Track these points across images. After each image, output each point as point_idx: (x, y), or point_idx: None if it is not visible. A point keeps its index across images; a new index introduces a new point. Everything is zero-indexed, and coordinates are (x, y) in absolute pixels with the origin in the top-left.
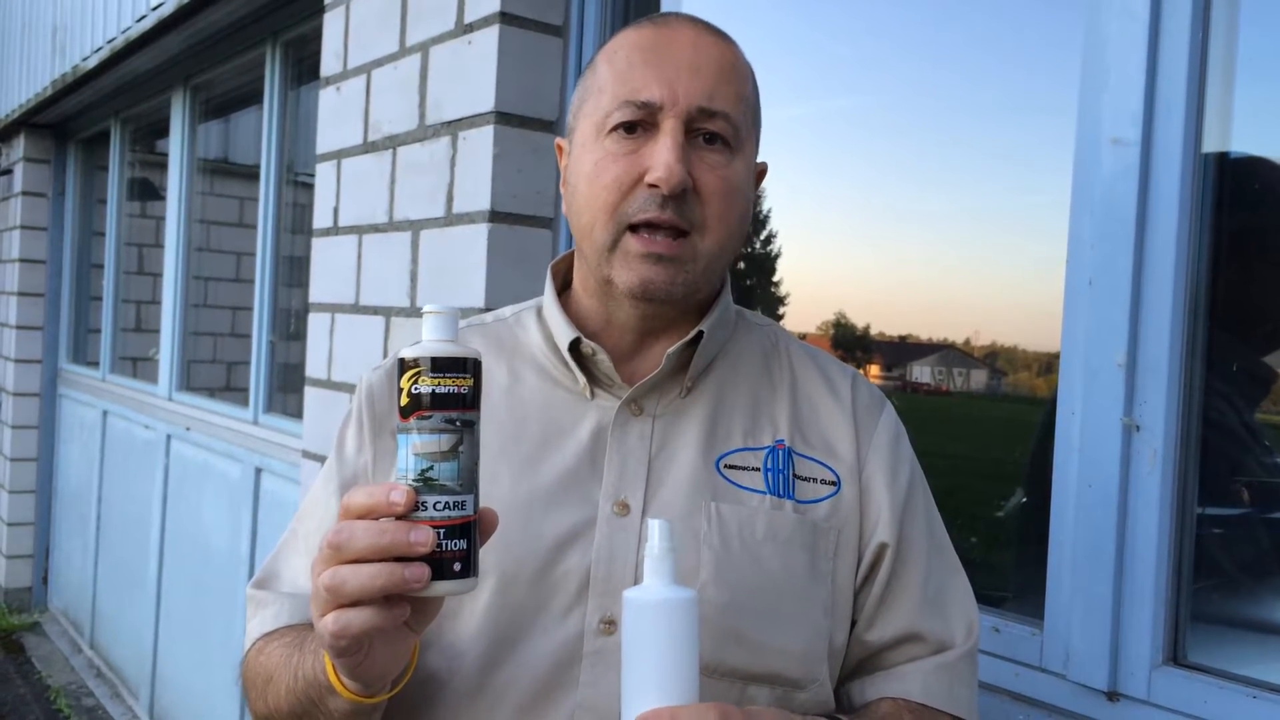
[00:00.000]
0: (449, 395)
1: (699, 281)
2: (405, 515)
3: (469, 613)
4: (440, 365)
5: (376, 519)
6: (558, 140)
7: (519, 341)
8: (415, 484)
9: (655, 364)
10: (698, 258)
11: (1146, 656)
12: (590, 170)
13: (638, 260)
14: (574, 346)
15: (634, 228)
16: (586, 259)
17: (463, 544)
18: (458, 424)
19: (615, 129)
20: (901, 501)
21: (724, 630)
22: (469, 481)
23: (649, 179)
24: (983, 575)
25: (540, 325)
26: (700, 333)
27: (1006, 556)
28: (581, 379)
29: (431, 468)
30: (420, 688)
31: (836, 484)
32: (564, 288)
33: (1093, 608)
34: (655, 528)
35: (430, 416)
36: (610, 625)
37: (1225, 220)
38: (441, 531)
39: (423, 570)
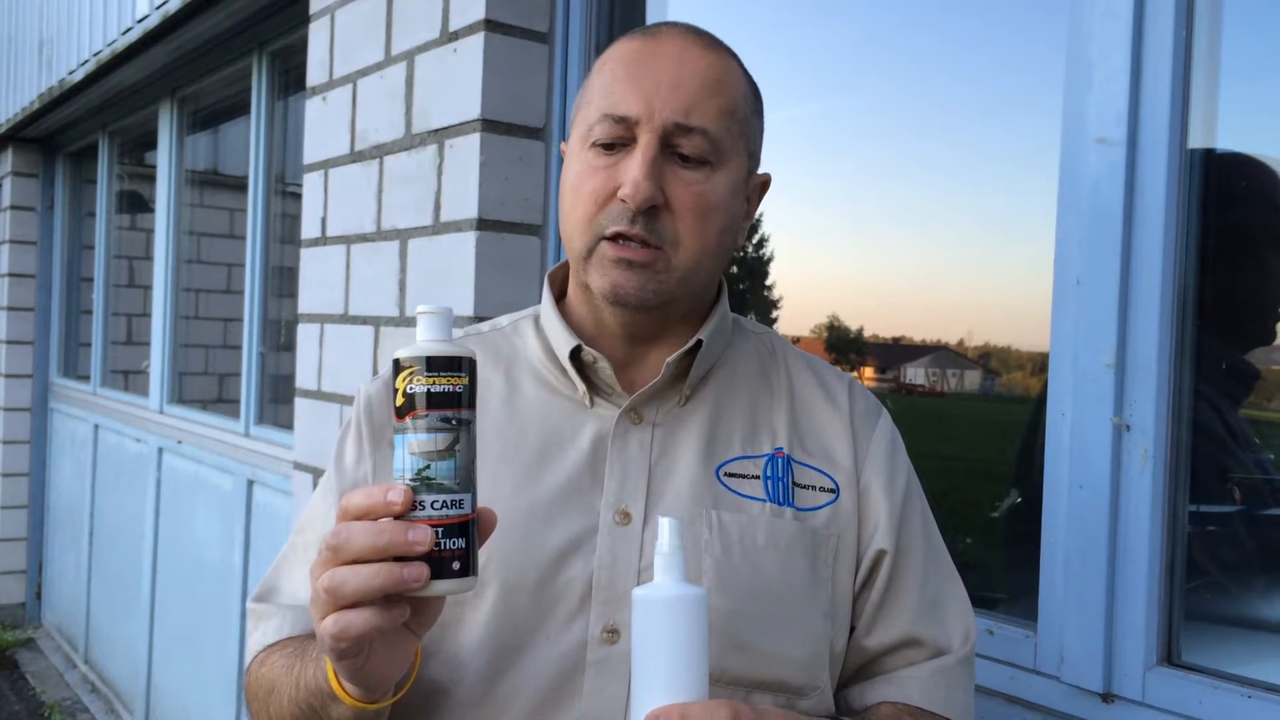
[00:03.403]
0: (444, 394)
1: (674, 291)
2: (403, 515)
3: (471, 623)
4: (435, 364)
5: (375, 519)
6: (563, 144)
7: (516, 351)
8: (413, 483)
9: (653, 372)
10: (671, 269)
11: (1140, 657)
12: (573, 181)
13: (610, 265)
14: (574, 354)
15: (608, 237)
16: (572, 264)
17: (461, 543)
18: (454, 422)
19: (596, 142)
20: (899, 508)
21: (727, 638)
22: (466, 480)
23: (620, 194)
24: (977, 577)
25: (538, 334)
26: (699, 341)
27: (1000, 558)
28: (581, 387)
29: (428, 467)
30: (423, 698)
31: (835, 491)
32: (561, 296)
33: (1086, 609)
34: (666, 525)
35: (426, 416)
36: (613, 634)
37: (1212, 218)
38: (440, 530)
39: (421, 569)
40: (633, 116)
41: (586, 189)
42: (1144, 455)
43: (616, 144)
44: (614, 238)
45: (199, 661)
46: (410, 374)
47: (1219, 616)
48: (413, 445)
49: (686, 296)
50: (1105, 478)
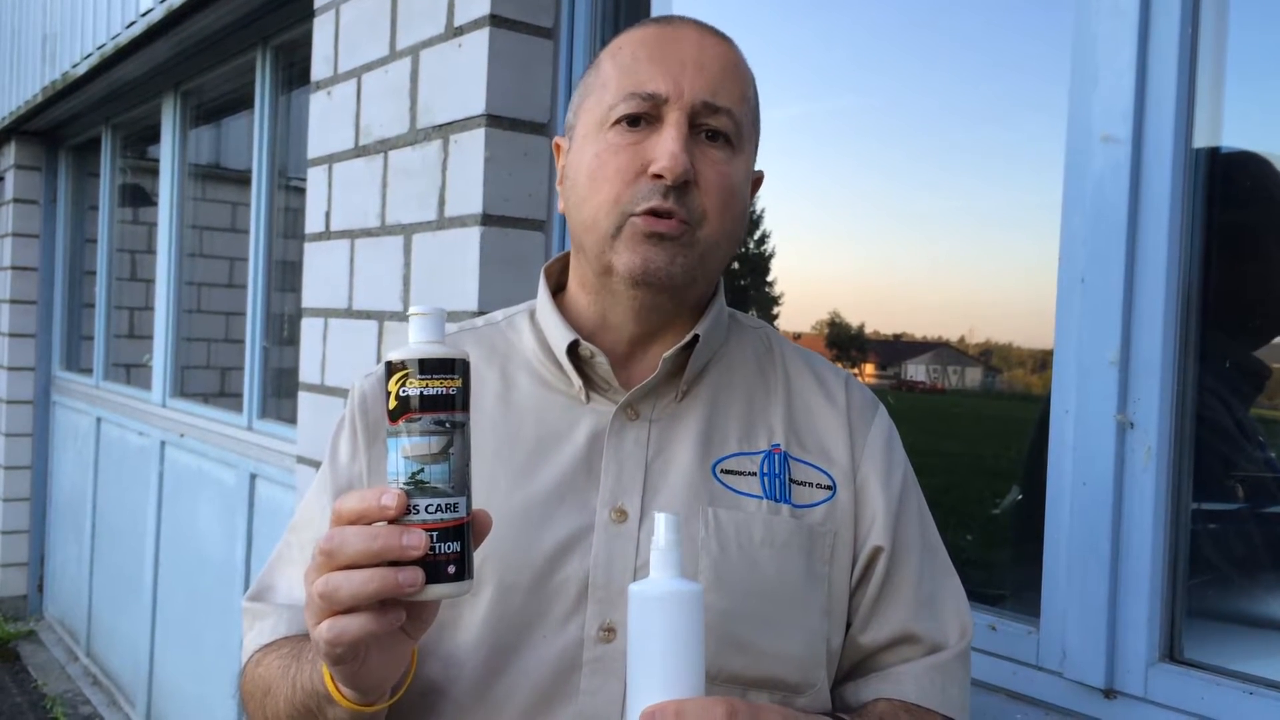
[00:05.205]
0: (437, 397)
1: (696, 270)
2: (397, 519)
3: (468, 622)
4: (428, 367)
5: (369, 524)
6: (556, 139)
7: (512, 345)
8: (406, 487)
9: (650, 368)
10: (696, 244)
11: (1143, 653)
12: (592, 162)
13: (641, 240)
14: (571, 349)
15: (638, 214)
16: (586, 251)
17: (456, 546)
18: (447, 425)
19: (619, 121)
20: (896, 505)
21: (723, 636)
22: (461, 483)
23: (653, 169)
24: (979, 573)
25: (533, 329)
26: (696, 336)
27: (1003, 554)
28: (577, 382)
29: (422, 470)
30: (420, 697)
31: (832, 488)
32: (557, 289)
33: (1089, 605)
34: (662, 520)
35: (419, 419)
36: (610, 632)
37: (1216, 216)
38: (434, 534)
39: (416, 574)
40: (661, 94)
41: (611, 168)
42: (1147, 452)
43: (642, 121)
44: (645, 214)
45: (201, 655)
46: (403, 377)
47: (1221, 613)
48: (406, 449)
49: (701, 279)
50: (1108, 475)
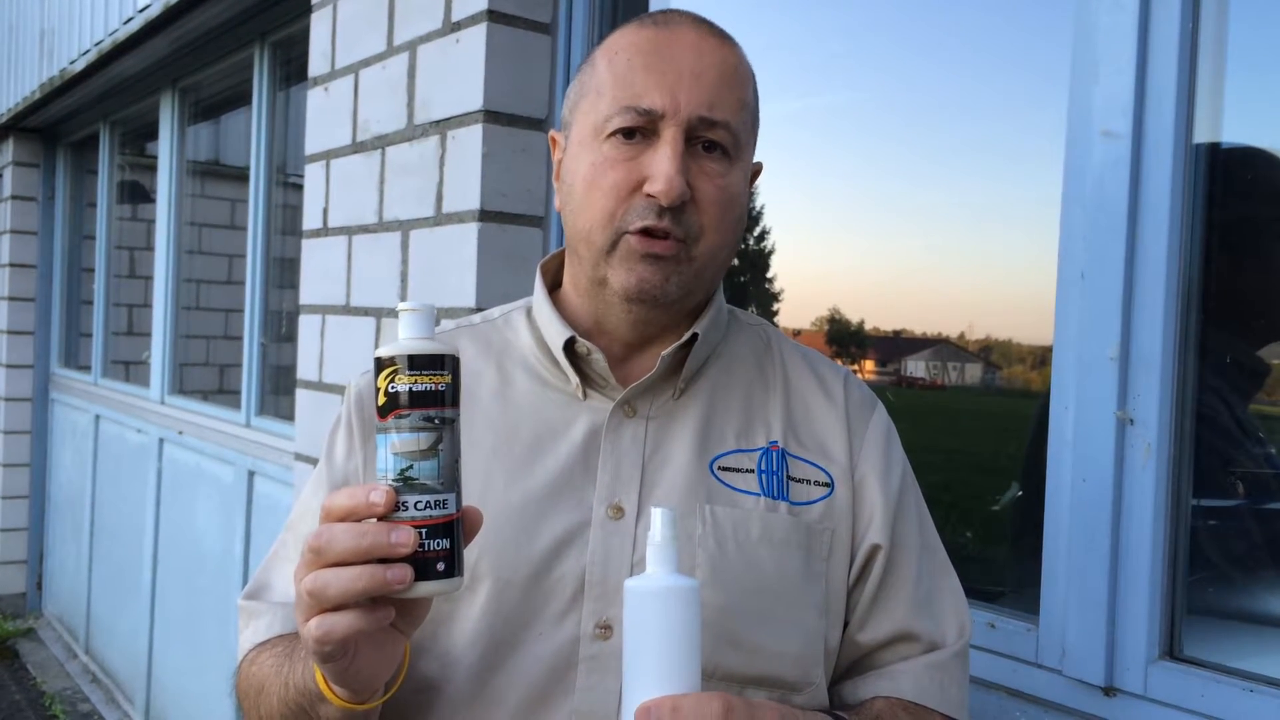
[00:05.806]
0: (426, 393)
1: (693, 285)
2: (386, 516)
3: (464, 618)
4: (417, 363)
5: (358, 520)
6: (551, 133)
7: (508, 342)
8: (395, 484)
9: (648, 365)
10: (693, 261)
11: (1143, 651)
12: (588, 173)
13: (636, 260)
14: (568, 346)
15: (632, 231)
16: (581, 260)
17: (446, 543)
18: (436, 422)
19: (614, 134)
20: (894, 503)
21: (720, 633)
22: (450, 480)
23: (648, 189)
24: (978, 570)
25: (530, 326)
26: (694, 334)
27: (1002, 551)
28: (574, 379)
29: (411, 467)
30: (415, 694)
31: (830, 485)
32: (554, 286)
33: (1088, 602)
34: (658, 516)
35: (408, 415)
36: (606, 629)
37: (1217, 211)
38: (424, 531)
39: (405, 571)
40: (657, 110)
41: (607, 182)
42: (1147, 449)
43: (637, 134)
44: (640, 232)
45: (199, 652)
46: (392, 373)
47: (1221, 610)
48: (395, 445)
49: (699, 291)
50: (1108, 471)
